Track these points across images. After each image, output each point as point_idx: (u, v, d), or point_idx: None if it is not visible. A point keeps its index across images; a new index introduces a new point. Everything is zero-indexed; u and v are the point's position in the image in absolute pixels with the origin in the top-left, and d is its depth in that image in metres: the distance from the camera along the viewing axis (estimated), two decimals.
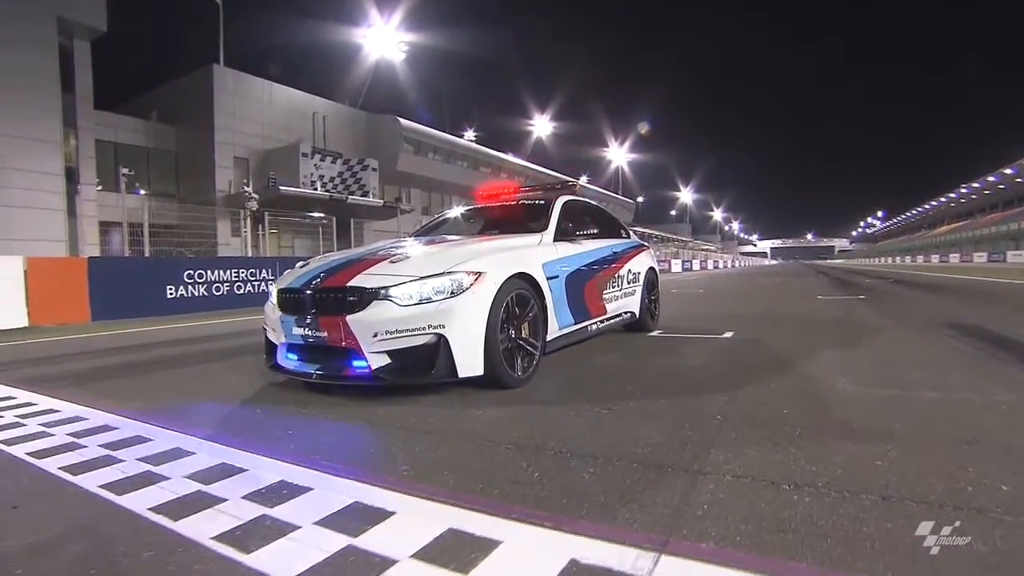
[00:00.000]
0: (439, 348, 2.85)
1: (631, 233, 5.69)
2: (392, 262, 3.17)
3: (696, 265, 44.61)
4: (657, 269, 5.93)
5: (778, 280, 18.60)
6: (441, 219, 5.13)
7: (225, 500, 1.76)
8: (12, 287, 7.95)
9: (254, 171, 22.65)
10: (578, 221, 4.51)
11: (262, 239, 15.03)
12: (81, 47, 17.88)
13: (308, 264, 3.57)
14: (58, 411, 2.93)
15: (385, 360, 2.86)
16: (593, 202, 5.43)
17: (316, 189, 22.56)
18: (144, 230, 10.01)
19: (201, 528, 1.56)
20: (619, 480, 1.79)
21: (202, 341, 6.00)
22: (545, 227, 4.06)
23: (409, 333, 2.84)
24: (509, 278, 3.16)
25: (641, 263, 5.42)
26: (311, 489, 1.82)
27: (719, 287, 15.05)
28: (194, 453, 2.22)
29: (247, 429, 2.56)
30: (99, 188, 19.50)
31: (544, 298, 3.51)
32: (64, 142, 17.30)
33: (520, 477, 1.84)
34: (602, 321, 4.51)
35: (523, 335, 3.32)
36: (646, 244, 5.91)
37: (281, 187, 20.51)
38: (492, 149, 37.94)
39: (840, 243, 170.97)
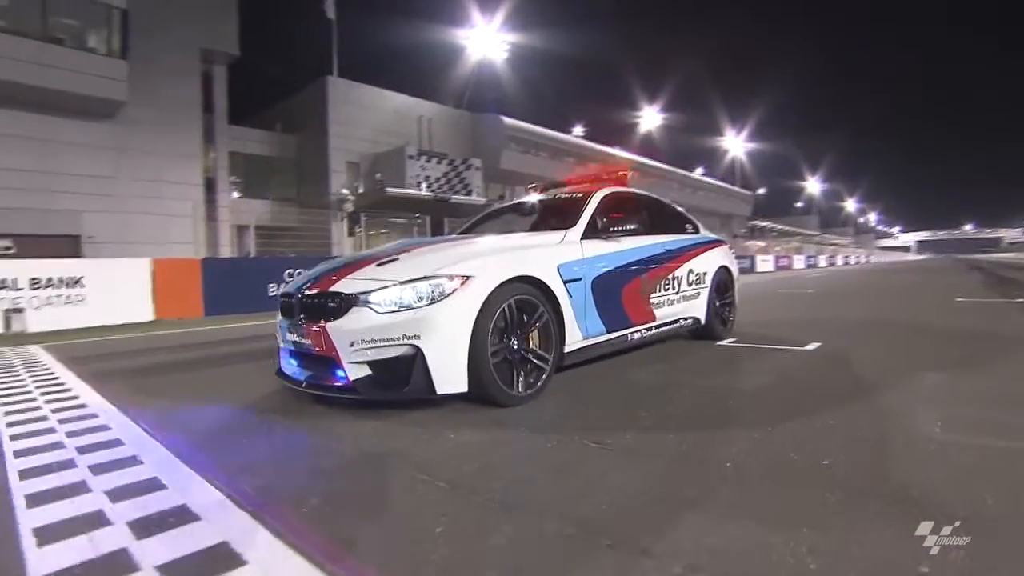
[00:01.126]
0: (415, 361, 2.57)
1: (699, 227, 5.05)
2: (379, 265, 2.92)
3: (823, 262, 40.39)
4: (734, 268, 5.23)
5: (912, 278, 15.90)
6: (483, 216, 4.84)
7: (110, 525, 1.60)
8: (141, 286, 8.94)
9: (364, 174, 23.94)
10: (623, 215, 4.08)
11: (364, 238, 15.78)
12: (219, 71, 19.94)
13: (319, 266, 3.46)
14: (82, 406, 3.04)
15: (364, 371, 2.65)
16: (648, 194, 4.84)
17: (421, 190, 23.33)
18: (250, 233, 10.79)
19: (53, 560, 1.40)
20: (527, 553, 1.38)
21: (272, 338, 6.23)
22: (574, 224, 3.62)
23: (385, 343, 2.59)
24: (506, 282, 2.80)
25: (708, 262, 4.78)
26: (198, 519, 1.61)
27: (835, 287, 13.26)
28: (141, 463, 2.12)
29: (215, 438, 2.45)
30: (238, 195, 21.73)
31: (559, 304, 3.10)
32: (203, 156, 19.40)
33: (419, 534, 1.49)
34: (649, 329, 4.00)
35: (530, 346, 2.95)
36: (719, 240, 5.23)
37: (387, 189, 21.45)
38: (599, 144, 37.03)
39: (1010, 234, 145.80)
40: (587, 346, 3.38)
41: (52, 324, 7.70)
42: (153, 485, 1.89)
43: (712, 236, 5.16)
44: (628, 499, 1.66)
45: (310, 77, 24.02)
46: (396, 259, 2.98)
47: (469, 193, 25.40)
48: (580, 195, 4.06)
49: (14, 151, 14.77)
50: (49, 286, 7.85)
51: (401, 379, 2.59)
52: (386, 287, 2.67)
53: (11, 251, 9.45)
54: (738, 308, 5.32)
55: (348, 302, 2.69)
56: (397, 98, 25.59)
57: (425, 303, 2.62)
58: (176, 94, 17.60)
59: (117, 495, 1.81)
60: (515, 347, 2.86)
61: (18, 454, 2.27)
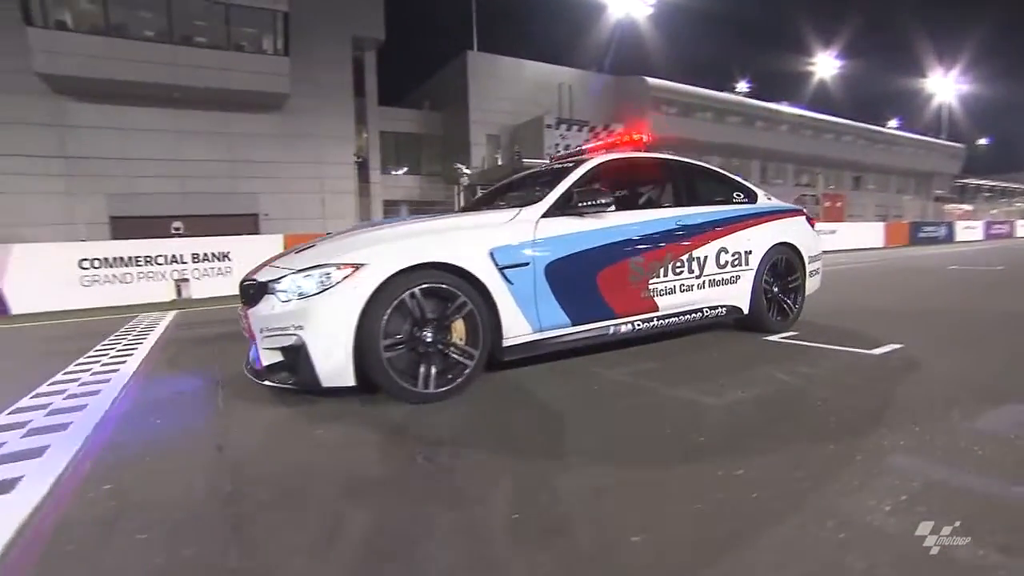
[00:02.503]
0: (300, 352, 2.48)
1: (756, 195, 4.20)
2: (297, 252, 2.88)
3: None
4: (806, 244, 4.27)
5: None
6: (492, 191, 4.50)
7: None
8: None
9: (505, 146, 24.27)
10: (627, 186, 3.72)
11: None
12: (369, 57, 21.40)
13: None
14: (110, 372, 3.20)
15: (271, 359, 2.65)
16: (675, 158, 4.08)
17: None
18: (402, 207, 11.46)
19: None
20: None
21: None
22: (540, 199, 3.17)
23: (280, 332, 2.55)
24: (407, 270, 2.56)
25: (756, 238, 3.95)
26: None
27: None
28: (59, 431, 2.18)
29: (142, 412, 2.42)
30: (389, 172, 23.46)
31: (490, 292, 2.78)
32: (357, 137, 21.13)
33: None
34: (648, 321, 3.43)
35: (452, 339, 2.69)
36: (783, 210, 4.28)
37: (524, 160, 21.47)
38: (761, 100, 33.15)
39: None
40: (540, 340, 3.00)
41: (209, 292, 9.02)
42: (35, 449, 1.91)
43: (773, 206, 4.25)
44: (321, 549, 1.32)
45: (454, 53, 24.67)
46: (313, 246, 2.92)
47: None
48: (571, 164, 3.54)
49: (205, 145, 17.44)
50: (205, 260, 9.18)
51: (293, 370, 2.55)
52: (285, 275, 2.61)
53: (180, 231, 11.13)
54: (847, 291, 4.63)
55: (261, 289, 2.68)
56: (536, 67, 25.31)
57: (313, 292, 2.52)
58: (331, 81, 19.28)
59: None
60: (428, 339, 2.62)
61: None
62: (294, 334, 2.49)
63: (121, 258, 8.43)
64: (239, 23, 16.67)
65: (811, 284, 4.38)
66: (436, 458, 1.95)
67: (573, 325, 3.11)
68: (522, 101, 24.43)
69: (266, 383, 2.64)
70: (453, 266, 2.67)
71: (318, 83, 18.91)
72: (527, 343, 2.96)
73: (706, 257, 3.69)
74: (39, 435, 2.33)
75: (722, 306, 3.81)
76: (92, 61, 14.71)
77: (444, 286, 2.64)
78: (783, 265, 4.13)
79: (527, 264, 2.92)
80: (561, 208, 3.15)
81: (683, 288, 3.59)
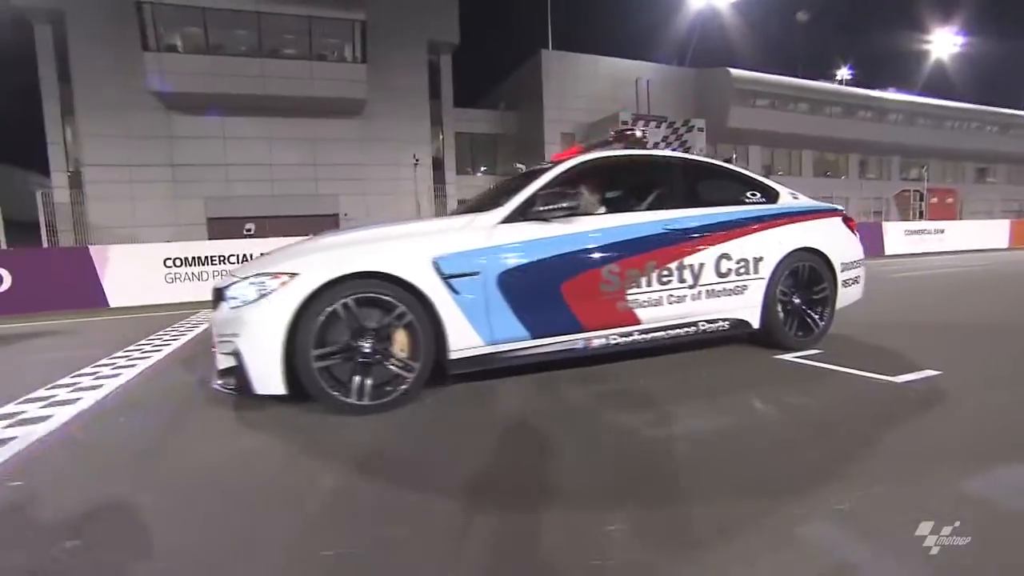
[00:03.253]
0: (238, 358, 2.55)
1: (777, 193, 3.80)
2: (256, 260, 3.00)
3: None
4: (834, 250, 3.79)
5: None
6: (487, 193, 4.37)
7: None
8: None
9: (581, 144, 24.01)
10: (615, 187, 3.54)
11: None
12: (444, 60, 21.93)
13: None
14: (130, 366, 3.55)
15: (224, 363, 2.70)
16: (674, 155, 3.79)
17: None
18: (454, 206, 11.73)
19: None
20: None
21: None
22: (501, 204, 3.04)
23: (226, 339, 2.62)
24: (340, 279, 2.55)
25: (770, 243, 3.56)
26: None
27: None
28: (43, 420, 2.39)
29: (117, 411, 2.64)
30: (464, 172, 23.94)
31: (431, 303, 2.69)
32: (432, 138, 21.75)
33: None
34: (628, 335, 3.18)
35: (393, 350, 2.63)
36: (810, 211, 3.83)
37: None
38: (862, 87, 30.41)
39: None
40: (495, 353, 2.87)
41: None
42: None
43: (798, 206, 3.81)
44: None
45: (529, 52, 24.70)
46: (268, 254, 3.00)
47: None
48: (550, 165, 3.33)
49: (291, 149, 18.66)
50: None
51: (234, 376, 2.61)
52: (235, 282, 2.68)
53: (251, 232, 11.95)
54: (916, 302, 4.20)
55: (218, 295, 2.78)
56: (612, 63, 24.77)
57: (251, 300, 2.57)
58: (407, 86, 19.97)
59: None
60: (366, 350, 2.58)
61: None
62: (233, 341, 2.56)
63: (198, 257, 9.23)
64: (321, 34, 17.69)
65: (846, 295, 3.90)
66: (319, 479, 1.93)
67: (533, 338, 2.94)
68: (598, 98, 24.03)
69: (215, 387, 2.74)
70: (392, 276, 2.62)
71: (394, 88, 19.66)
72: (479, 356, 2.84)
73: (702, 264, 3.36)
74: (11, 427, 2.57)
75: (724, 320, 3.46)
76: (195, 78, 16.23)
77: (382, 296, 2.60)
78: (806, 273, 3.68)
79: (476, 273, 2.79)
80: (523, 213, 2.99)
81: (673, 299, 3.28)
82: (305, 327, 2.49)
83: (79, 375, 3.66)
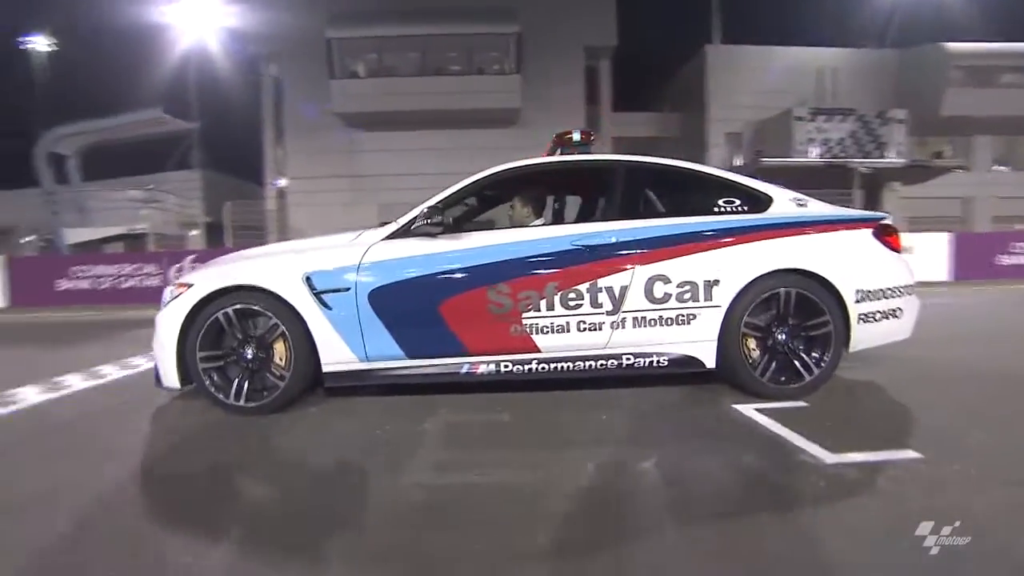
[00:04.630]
0: (154, 355, 2.97)
1: (769, 200, 3.11)
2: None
3: None
4: (842, 274, 2.97)
5: None
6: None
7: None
8: None
9: (748, 144, 22.04)
10: (543, 196, 3.40)
11: None
12: (603, 64, 21.80)
13: None
14: None
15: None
16: (625, 158, 3.23)
17: (810, 155, 19.91)
18: None
19: None
20: None
21: None
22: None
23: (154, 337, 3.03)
24: (222, 291, 2.81)
25: (738, 262, 2.92)
26: None
27: None
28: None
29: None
30: None
31: (302, 317, 2.80)
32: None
33: None
34: (523, 363, 2.90)
35: (274, 359, 2.82)
36: (814, 221, 3.07)
37: (763, 159, 19.23)
38: None
39: None
40: (369, 370, 2.87)
41: None
42: None
43: (796, 216, 3.07)
44: None
45: (694, 49, 23.42)
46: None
47: (884, 153, 20.25)
48: (479, 176, 3.17)
49: (446, 160, 19.90)
50: None
51: (154, 369, 3.00)
52: (167, 288, 3.05)
53: None
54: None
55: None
56: (789, 52, 22.31)
57: (164, 305, 2.94)
58: (562, 93, 20.23)
59: None
60: (248, 357, 2.83)
61: None
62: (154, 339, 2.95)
63: None
64: (478, 50, 18.80)
65: (874, 333, 3.06)
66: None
67: (409, 358, 2.88)
68: (770, 93, 21.82)
69: None
70: (265, 289, 2.81)
71: (549, 96, 20.02)
72: (354, 372, 2.86)
73: (624, 287, 2.88)
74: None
75: (661, 355, 2.92)
76: (370, 98, 18.36)
77: (255, 307, 2.79)
78: (791, 302, 2.95)
79: (347, 289, 2.81)
80: (409, 229, 2.95)
81: (584, 327, 2.89)
82: (194, 331, 2.77)
83: None
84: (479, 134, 19.98)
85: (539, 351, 2.91)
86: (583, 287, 2.86)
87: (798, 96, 21.38)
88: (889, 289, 3.03)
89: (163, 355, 2.86)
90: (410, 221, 2.96)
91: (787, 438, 2.35)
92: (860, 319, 2.96)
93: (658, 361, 2.93)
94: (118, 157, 16.75)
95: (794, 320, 2.96)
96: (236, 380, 2.81)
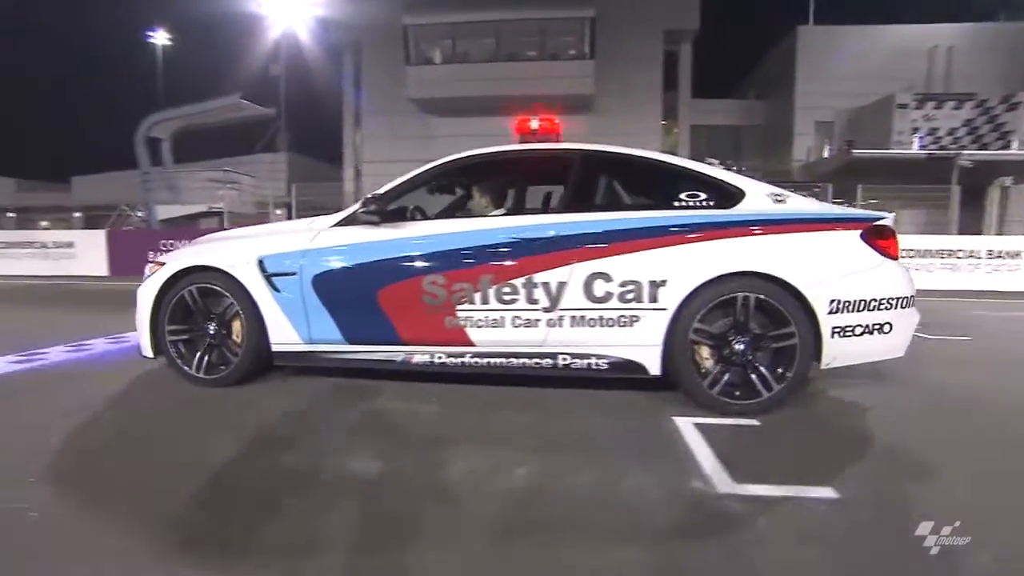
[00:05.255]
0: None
1: (742, 194, 2.80)
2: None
3: None
4: (812, 280, 2.61)
5: None
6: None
7: None
8: None
9: (840, 133, 20.39)
10: (498, 186, 3.30)
11: None
12: (684, 49, 20.88)
13: None
14: None
15: None
16: (569, 146, 3.07)
17: (912, 147, 18.11)
18: None
19: None
20: None
21: None
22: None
23: None
24: (186, 271, 3.02)
25: (689, 262, 2.66)
26: None
27: None
28: None
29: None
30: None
31: (252, 297, 2.95)
32: (666, 132, 20.99)
33: None
34: (457, 356, 2.84)
35: (232, 336, 3.00)
36: (786, 220, 2.73)
37: (854, 151, 17.74)
38: None
39: None
40: (312, 352, 2.95)
41: None
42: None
43: (774, 213, 2.75)
44: None
45: (785, 31, 21.90)
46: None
47: (1007, 144, 18.14)
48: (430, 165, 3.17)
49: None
50: None
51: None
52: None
53: None
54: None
55: None
56: (893, 31, 20.34)
57: (144, 281, 3.14)
58: (638, 79, 19.62)
59: None
60: (210, 332, 3.01)
61: None
62: None
63: None
64: (552, 34, 18.54)
65: (854, 349, 2.69)
66: None
67: (348, 343, 2.92)
68: (869, 77, 20.00)
69: None
70: (221, 271, 2.98)
71: (625, 82, 19.47)
72: (299, 353, 2.96)
73: (562, 284, 2.72)
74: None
75: (601, 357, 2.74)
76: (445, 84, 18.64)
77: (213, 287, 2.96)
78: (750, 309, 2.63)
79: (294, 273, 2.90)
80: (354, 217, 3.00)
81: (520, 322, 2.77)
82: (164, 307, 3.02)
83: None
84: (566, 119, 19.79)
85: (473, 345, 2.84)
86: (518, 282, 2.75)
87: (904, 79, 19.47)
88: (875, 300, 2.64)
89: (140, 328, 3.08)
90: (356, 209, 3.00)
91: (699, 460, 2.09)
92: (835, 332, 2.62)
93: (597, 364, 2.75)
94: (212, 140, 18.24)
95: (756, 329, 2.65)
96: (198, 354, 3.00)
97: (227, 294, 2.97)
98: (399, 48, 18.76)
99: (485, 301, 2.77)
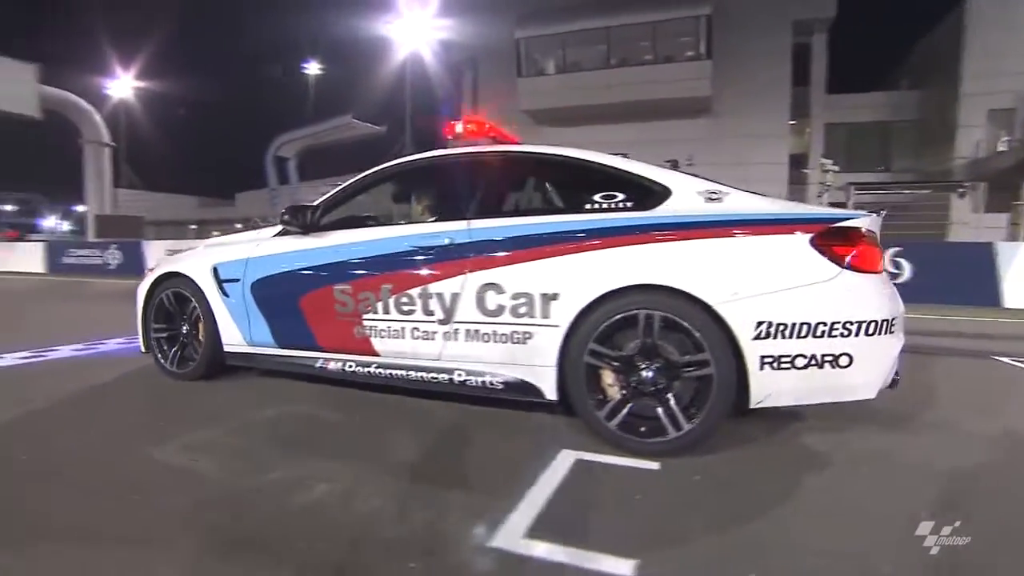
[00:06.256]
0: None
1: (667, 192, 2.34)
2: None
3: None
4: (732, 297, 2.06)
5: None
6: None
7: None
8: None
9: (1021, 123, 17.31)
10: (434, 193, 3.08)
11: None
12: (817, 40, 19.07)
13: None
14: None
15: None
16: (492, 149, 2.88)
17: None
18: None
19: None
20: None
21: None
22: None
23: None
24: (163, 275, 3.36)
25: (581, 272, 2.28)
26: None
27: None
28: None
29: None
30: (837, 169, 20.40)
31: (208, 301, 3.17)
32: (793, 132, 19.26)
33: None
34: (365, 365, 2.74)
35: (199, 335, 3.23)
36: (706, 223, 2.22)
37: None
38: None
39: None
40: (254, 353, 3.09)
41: None
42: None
43: (700, 215, 2.25)
44: None
45: (943, 10, 19.14)
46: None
47: None
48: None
49: (633, 154, 19.36)
50: None
51: None
52: None
53: None
54: None
55: None
56: None
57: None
58: (762, 76, 18.29)
59: None
60: (184, 331, 3.27)
61: None
62: None
63: None
64: (666, 36, 17.88)
65: (787, 385, 2.07)
66: None
67: (279, 347, 3.02)
68: None
69: None
70: (185, 276, 3.25)
71: (746, 80, 18.25)
72: (244, 354, 3.12)
73: (455, 295, 2.49)
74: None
75: (496, 376, 2.44)
76: (556, 94, 18.82)
77: (181, 291, 3.25)
78: (654, 329, 2.14)
79: (237, 280, 3.08)
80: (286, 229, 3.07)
81: (418, 335, 2.60)
82: (150, 308, 3.35)
83: None
84: (666, 126, 19.06)
85: (378, 355, 2.73)
86: (415, 292, 2.59)
87: None
88: (824, 323, 2.04)
89: (137, 326, 3.45)
90: (305, 217, 3.06)
91: (524, 502, 1.74)
92: (765, 363, 2.05)
93: (491, 383, 2.46)
94: (339, 158, 20.03)
95: (670, 355, 2.16)
96: (173, 350, 3.29)
97: (192, 298, 3.23)
98: (512, 63, 19.25)
99: (387, 311, 2.68)
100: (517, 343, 2.39)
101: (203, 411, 2.69)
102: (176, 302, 3.28)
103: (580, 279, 2.26)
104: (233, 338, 3.12)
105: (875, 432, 2.43)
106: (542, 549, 1.48)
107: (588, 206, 2.42)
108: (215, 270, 3.17)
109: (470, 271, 2.48)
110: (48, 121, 19.22)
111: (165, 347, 3.29)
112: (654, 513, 1.71)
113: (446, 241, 2.57)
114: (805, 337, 2.01)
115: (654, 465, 2.03)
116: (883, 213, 2.38)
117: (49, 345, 4.08)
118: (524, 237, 2.42)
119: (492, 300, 2.43)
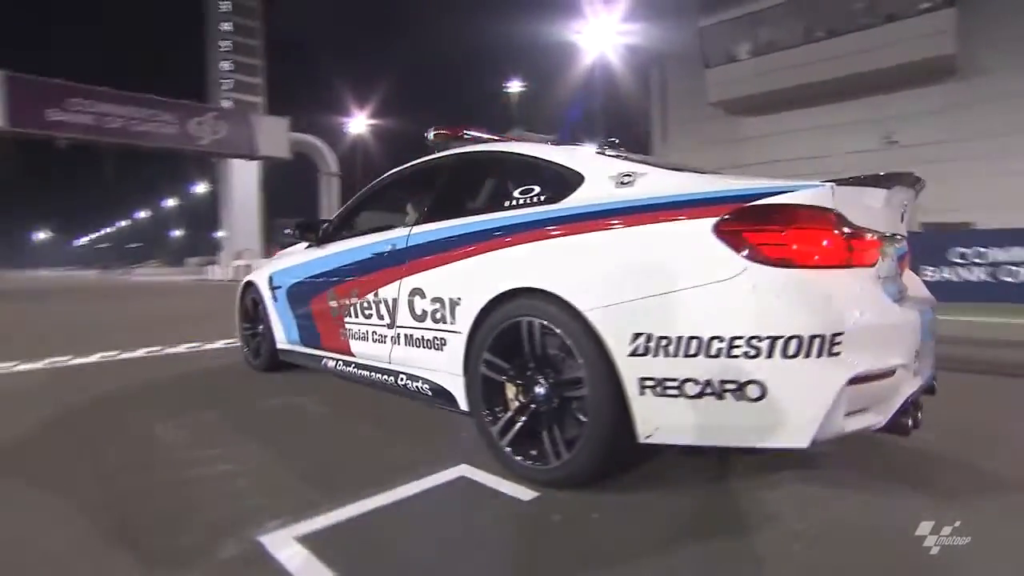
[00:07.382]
0: None
1: (579, 180, 2.03)
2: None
3: None
4: (605, 302, 1.69)
5: None
6: None
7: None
8: None
9: None
10: (420, 198, 2.89)
11: None
12: None
13: None
14: None
15: None
16: (450, 153, 2.77)
17: None
18: None
19: None
20: None
21: None
22: None
23: None
24: (246, 283, 4.02)
25: (475, 275, 2.15)
26: None
27: None
28: None
29: None
30: None
31: (264, 305, 3.69)
32: None
33: None
34: (348, 364, 2.89)
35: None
36: (600, 213, 1.85)
37: None
38: None
39: None
40: (292, 351, 3.47)
41: None
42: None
43: (603, 204, 1.88)
44: None
45: None
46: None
47: None
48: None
49: (853, 136, 16.49)
50: None
51: None
52: None
53: None
54: None
55: None
56: None
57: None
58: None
59: None
60: (259, 329, 3.80)
61: None
62: None
63: None
64: None
65: (675, 418, 1.64)
66: None
67: (302, 345, 3.36)
68: None
69: None
70: (255, 284, 3.87)
71: (999, 33, 14.29)
72: (286, 351, 3.53)
73: (394, 300, 2.54)
74: None
75: (426, 382, 2.37)
76: (748, 81, 17.17)
77: (256, 297, 3.83)
78: (535, 339, 1.90)
79: (280, 287, 3.55)
80: (329, 232, 3.34)
81: (376, 337, 2.69)
82: (240, 309, 4.09)
83: None
84: (884, 101, 15.98)
85: (354, 356, 2.89)
86: (370, 297, 2.71)
87: None
88: (718, 338, 1.54)
89: (236, 324, 4.16)
90: (332, 225, 3.44)
91: (343, 513, 1.69)
92: (646, 387, 1.64)
93: (422, 388, 2.39)
94: None
95: (554, 369, 1.89)
96: (251, 345, 3.93)
97: (260, 302, 3.81)
98: (697, 55, 18.12)
99: (356, 315, 2.84)
100: (436, 349, 2.34)
101: (221, 395, 3.28)
102: (252, 305, 3.93)
103: (477, 283, 2.14)
104: (280, 337, 3.59)
105: (850, 492, 1.84)
106: (290, 555, 1.46)
107: (507, 202, 2.25)
108: (271, 278, 3.72)
109: (404, 276, 2.51)
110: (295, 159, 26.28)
111: (248, 342, 3.99)
112: (450, 553, 1.49)
113: (389, 248, 2.65)
114: (695, 356, 1.57)
115: (527, 495, 1.81)
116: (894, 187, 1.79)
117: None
118: (441, 241, 2.38)
119: (418, 305, 2.42)
